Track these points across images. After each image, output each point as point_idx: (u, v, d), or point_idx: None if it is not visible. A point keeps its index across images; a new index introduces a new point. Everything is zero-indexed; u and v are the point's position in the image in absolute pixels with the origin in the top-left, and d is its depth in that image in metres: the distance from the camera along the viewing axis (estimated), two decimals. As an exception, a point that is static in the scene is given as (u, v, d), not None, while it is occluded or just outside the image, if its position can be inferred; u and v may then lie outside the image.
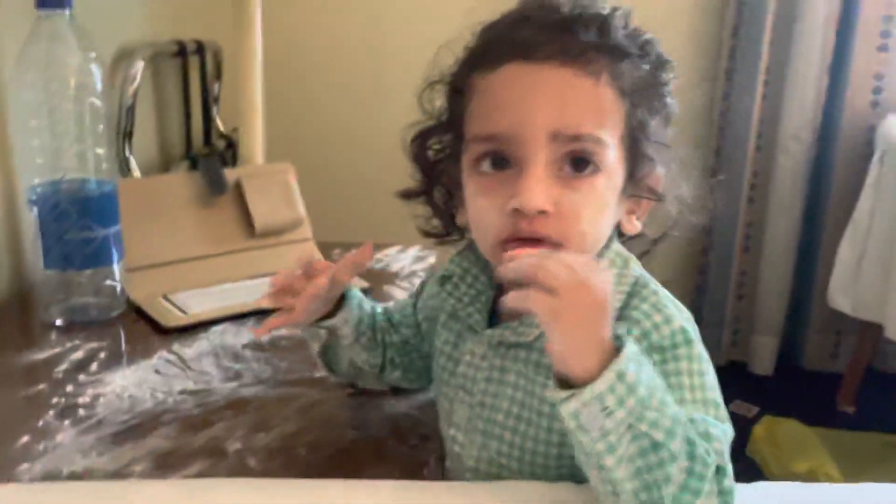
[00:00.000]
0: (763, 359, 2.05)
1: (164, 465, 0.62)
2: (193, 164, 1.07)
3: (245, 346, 0.85)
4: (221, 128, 1.60)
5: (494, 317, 0.63)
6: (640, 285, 0.58)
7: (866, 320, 1.77)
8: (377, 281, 1.05)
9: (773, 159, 1.93)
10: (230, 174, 1.07)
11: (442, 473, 0.65)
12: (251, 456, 0.64)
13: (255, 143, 1.16)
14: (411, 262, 1.15)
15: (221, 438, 0.66)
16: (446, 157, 0.64)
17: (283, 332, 0.89)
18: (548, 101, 0.55)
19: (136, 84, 1.27)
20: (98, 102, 0.86)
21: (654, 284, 0.59)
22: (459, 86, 0.61)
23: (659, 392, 0.48)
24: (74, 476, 0.60)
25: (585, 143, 0.55)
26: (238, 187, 1.07)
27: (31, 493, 0.53)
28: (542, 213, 0.54)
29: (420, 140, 0.64)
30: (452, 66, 0.62)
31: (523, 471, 0.59)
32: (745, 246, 2.03)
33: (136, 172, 1.26)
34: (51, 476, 0.60)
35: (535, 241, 0.55)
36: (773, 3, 1.82)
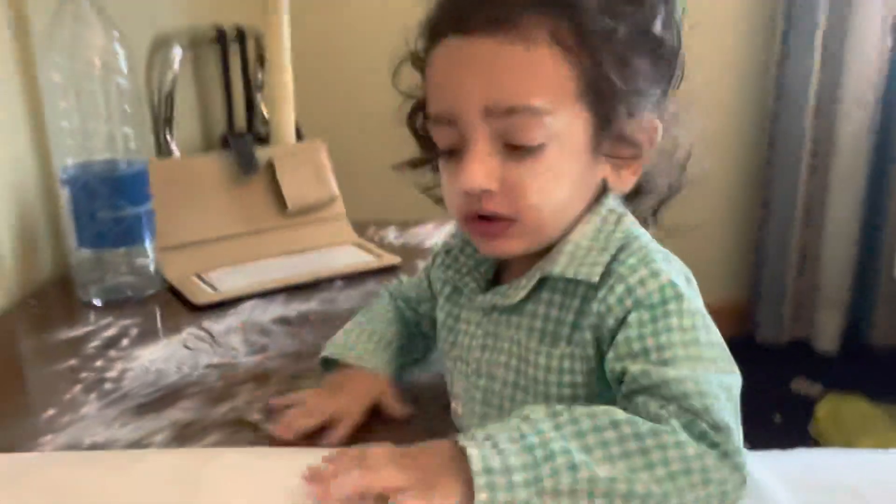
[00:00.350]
0: (827, 335, 1.97)
1: (183, 436, 0.62)
2: (226, 145, 1.07)
3: (273, 322, 0.84)
4: (266, 113, 1.61)
5: (496, 284, 0.62)
6: (631, 239, 0.55)
7: (937, 292, 1.67)
8: (410, 256, 1.04)
9: (834, 126, 1.84)
10: (263, 154, 1.07)
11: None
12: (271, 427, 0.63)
13: (287, 122, 1.16)
14: (445, 237, 1.13)
15: (242, 410, 0.66)
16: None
17: (313, 306, 0.89)
18: (477, 75, 0.52)
19: (174, 70, 1.29)
20: (124, 82, 0.86)
21: (647, 239, 0.56)
22: (419, 63, 0.59)
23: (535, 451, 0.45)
24: (95, 446, 0.60)
25: (521, 116, 0.52)
26: (270, 166, 1.07)
27: (27, 463, 0.53)
28: (488, 191, 0.53)
29: (411, 114, 0.62)
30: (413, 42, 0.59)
31: None
32: (806, 218, 1.95)
33: (177, 156, 1.28)
34: (72, 447, 0.60)
35: (490, 218, 0.54)
36: (830, -39, 1.73)
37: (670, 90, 0.56)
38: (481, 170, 0.52)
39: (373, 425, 0.63)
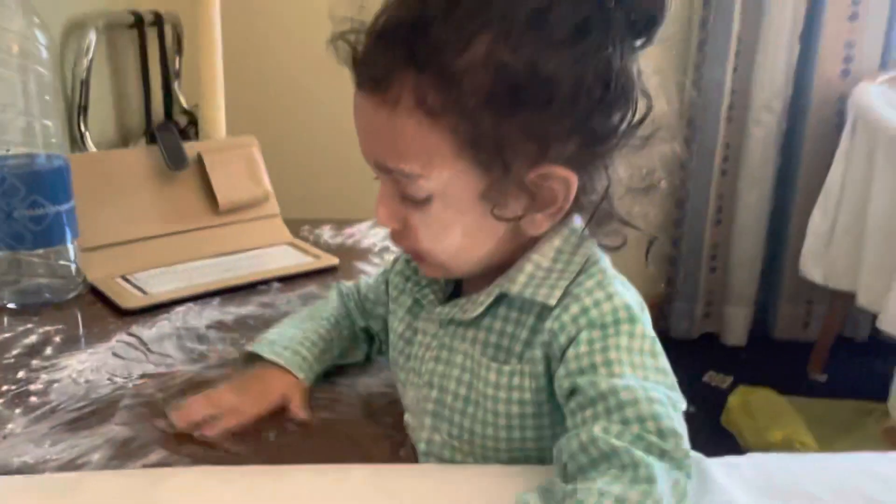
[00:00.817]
0: (736, 330, 2.06)
1: (123, 454, 0.58)
2: (152, 139, 1.02)
3: (209, 327, 0.81)
4: (184, 103, 1.54)
5: (449, 301, 0.61)
6: (590, 264, 0.55)
7: (838, 289, 1.77)
8: (347, 256, 1.02)
9: (745, 130, 1.92)
10: (191, 148, 1.02)
11: (416, 455, 0.62)
12: (215, 441, 0.60)
13: (216, 116, 1.11)
14: (382, 237, 1.11)
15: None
16: None
17: (252, 310, 0.86)
18: (363, 132, 0.55)
19: (89, 56, 1.21)
20: (44, 71, 0.80)
21: (606, 264, 0.56)
22: None
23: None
24: (26, 468, 0.56)
25: (393, 176, 0.53)
26: (199, 162, 1.02)
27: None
28: (394, 228, 0.56)
29: None
30: None
31: (475, 454, 0.57)
32: (717, 218, 2.03)
33: (92, 149, 1.21)
34: (1, 469, 0.56)
35: None
36: (744, -29, 1.80)
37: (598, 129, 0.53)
38: (385, 211, 0.55)
39: (325, 434, 0.61)
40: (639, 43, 0.53)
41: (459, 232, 0.54)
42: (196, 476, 0.49)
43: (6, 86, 0.79)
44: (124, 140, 1.42)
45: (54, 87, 0.82)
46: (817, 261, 1.78)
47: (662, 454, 0.46)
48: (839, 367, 1.97)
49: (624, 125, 0.52)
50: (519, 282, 0.55)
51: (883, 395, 1.62)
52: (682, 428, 0.48)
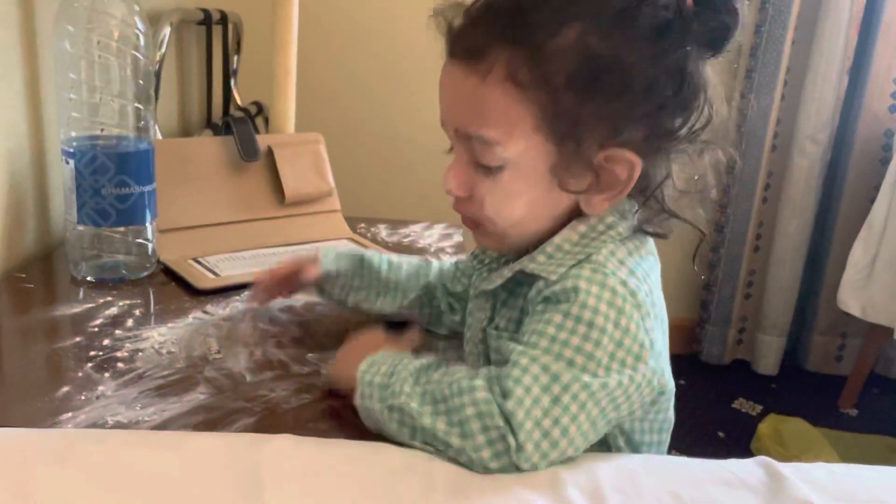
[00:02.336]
0: (768, 358, 2.06)
1: (211, 421, 0.61)
2: (226, 129, 1.06)
3: (280, 310, 0.84)
4: (239, 101, 1.59)
5: None
6: (588, 260, 0.57)
7: (875, 323, 1.77)
8: (405, 253, 1.04)
9: (789, 159, 1.93)
10: (262, 141, 1.06)
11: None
12: (298, 416, 0.63)
13: (287, 112, 1.15)
14: (438, 238, 1.14)
15: (266, 397, 0.65)
16: None
17: (317, 298, 0.88)
18: (448, 99, 0.59)
19: (163, 50, 1.26)
20: (140, 56, 0.84)
21: (602, 255, 0.57)
22: None
23: (395, 377, 0.57)
24: (119, 426, 0.59)
25: (475, 143, 0.57)
26: (269, 155, 1.06)
27: (88, 440, 0.52)
28: (460, 196, 0.60)
29: None
30: None
31: None
32: (756, 245, 2.04)
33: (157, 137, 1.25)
34: (94, 426, 0.59)
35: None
36: (797, 4, 1.82)
37: (673, 129, 0.57)
38: (455, 178, 0.59)
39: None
40: (710, 53, 0.57)
41: (524, 203, 0.59)
42: (293, 442, 0.52)
43: (105, 69, 0.82)
44: (185, 132, 1.46)
45: (147, 73, 0.86)
46: (856, 293, 1.78)
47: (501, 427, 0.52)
48: (870, 403, 1.96)
49: (688, 126, 0.56)
50: (538, 260, 0.59)
51: (916, 433, 1.62)
52: (529, 412, 0.51)
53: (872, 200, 1.78)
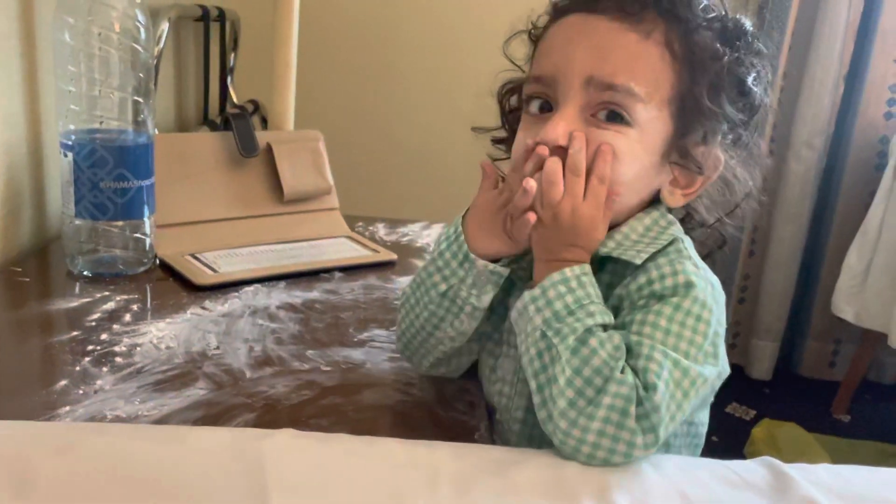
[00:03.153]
0: (761, 363, 2.06)
1: (211, 416, 0.60)
2: (225, 125, 1.05)
3: (279, 308, 0.83)
4: (235, 99, 1.58)
5: None
6: (672, 246, 0.60)
7: (869, 329, 1.78)
8: (403, 253, 1.04)
9: (785, 164, 1.94)
10: (260, 138, 1.05)
11: (492, 441, 0.64)
12: (299, 412, 0.62)
13: (286, 109, 1.15)
14: (436, 237, 1.14)
15: (266, 393, 0.65)
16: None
17: (317, 295, 0.88)
18: (589, 47, 0.58)
19: (160, 45, 1.25)
20: (141, 50, 0.83)
21: (685, 247, 0.60)
22: (535, 37, 0.65)
23: (581, 311, 0.55)
24: (119, 421, 0.58)
25: (616, 94, 0.58)
26: (268, 152, 1.05)
27: (92, 432, 0.51)
28: (560, 147, 0.58)
29: (505, 91, 0.69)
30: (535, 20, 0.65)
31: None
32: (751, 250, 2.04)
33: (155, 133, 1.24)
34: (95, 420, 0.58)
35: None
36: (794, 9, 1.83)
37: (743, 140, 0.62)
38: (565, 127, 0.58)
39: (402, 415, 0.63)
40: None
41: (634, 170, 0.59)
42: (296, 437, 0.51)
43: (105, 61, 0.82)
44: (182, 129, 1.46)
45: (147, 67, 0.85)
46: (850, 299, 1.78)
47: (639, 402, 0.52)
48: (863, 409, 1.97)
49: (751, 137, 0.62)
50: (608, 246, 0.60)
51: (909, 439, 1.63)
52: (664, 391, 0.52)
53: (868, 206, 1.78)
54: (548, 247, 0.59)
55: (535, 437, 0.64)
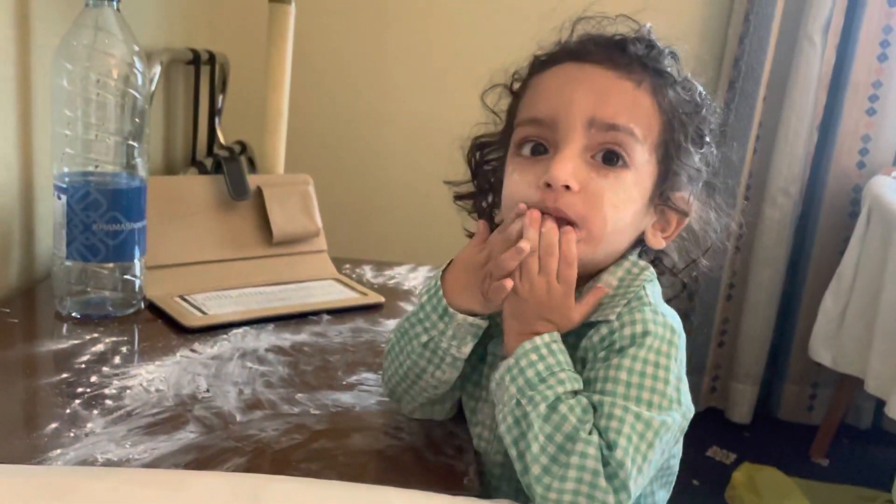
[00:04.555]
0: (741, 406, 2.08)
1: (203, 459, 0.61)
2: (216, 168, 1.06)
3: (268, 350, 0.84)
4: (222, 140, 1.60)
5: None
6: (637, 297, 0.61)
7: (846, 374, 1.81)
8: (390, 296, 1.05)
9: (761, 211, 1.98)
10: (251, 181, 1.07)
11: (481, 484, 0.65)
12: (289, 456, 0.63)
13: (277, 152, 1.16)
14: (422, 281, 1.15)
15: (257, 437, 0.65)
16: (496, 159, 0.70)
17: (305, 338, 0.88)
18: (589, 91, 0.61)
19: (152, 88, 1.27)
20: (138, 95, 0.85)
21: (646, 293, 0.62)
22: (517, 89, 0.67)
23: (552, 378, 0.57)
24: (111, 464, 0.58)
25: (619, 134, 0.60)
26: (258, 194, 1.06)
27: (88, 477, 0.51)
28: (568, 188, 0.60)
29: (475, 147, 0.71)
30: (516, 74, 0.68)
31: None
32: (729, 294, 2.08)
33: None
34: (85, 464, 0.58)
35: (556, 218, 0.61)
36: (769, 62, 1.89)
37: (714, 186, 0.67)
38: (570, 168, 0.60)
39: (392, 460, 0.64)
40: None
41: (631, 211, 0.62)
42: (295, 483, 0.52)
43: (102, 106, 0.83)
44: (170, 170, 1.47)
45: (142, 112, 0.87)
46: (827, 344, 1.81)
47: (606, 464, 0.54)
48: (841, 453, 1.99)
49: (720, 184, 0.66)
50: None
51: (884, 485, 1.64)
52: (635, 455, 0.53)
53: (842, 252, 1.83)
54: (522, 318, 0.60)
55: (514, 479, 0.64)
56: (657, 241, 0.66)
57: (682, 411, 0.58)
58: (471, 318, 0.63)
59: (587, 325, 0.62)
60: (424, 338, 0.64)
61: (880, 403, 2.03)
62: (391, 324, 0.95)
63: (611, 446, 0.53)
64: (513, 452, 0.57)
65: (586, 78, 0.62)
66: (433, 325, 0.64)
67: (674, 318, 0.62)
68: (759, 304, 2.02)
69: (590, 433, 0.54)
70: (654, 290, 0.63)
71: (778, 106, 1.92)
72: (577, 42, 0.65)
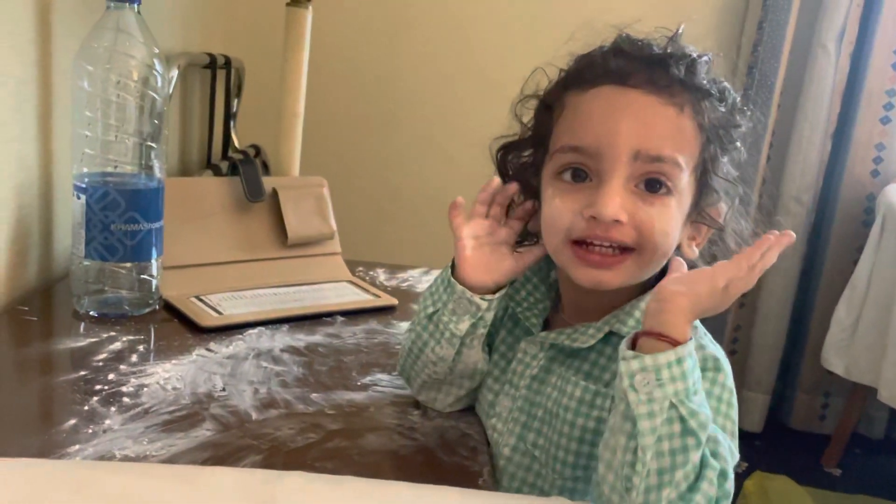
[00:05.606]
0: (752, 415, 2.07)
1: (219, 457, 0.61)
2: (232, 170, 1.07)
3: (283, 350, 0.84)
4: (237, 143, 1.61)
5: (547, 324, 0.70)
6: (693, 327, 0.61)
7: (859, 383, 1.79)
8: (403, 298, 1.06)
9: (774, 219, 1.98)
10: (266, 183, 1.07)
11: (495, 485, 0.65)
12: (304, 455, 0.63)
13: (292, 155, 1.17)
14: (435, 285, 1.15)
15: (272, 435, 0.66)
16: (527, 168, 0.69)
17: (319, 339, 0.89)
18: (634, 121, 0.60)
19: (169, 91, 1.28)
20: (157, 97, 0.86)
21: (698, 323, 0.63)
22: (550, 102, 0.66)
23: (701, 392, 0.54)
24: (128, 460, 0.59)
25: (664, 165, 0.60)
26: (274, 197, 1.07)
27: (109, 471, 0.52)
28: (617, 221, 0.60)
29: (504, 151, 0.70)
30: (547, 85, 0.67)
31: (548, 462, 0.64)
32: (741, 301, 2.07)
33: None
34: (104, 459, 0.59)
35: (606, 247, 0.61)
36: (783, 70, 1.89)
37: (744, 196, 0.66)
38: (619, 202, 0.60)
39: (405, 459, 0.64)
40: None
41: (676, 233, 0.62)
42: (306, 479, 0.52)
43: (121, 108, 0.84)
44: (185, 172, 1.48)
45: (161, 113, 0.88)
46: (840, 353, 1.80)
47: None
48: (853, 463, 1.97)
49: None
50: (629, 324, 0.62)
51: (899, 494, 1.63)
52: (732, 476, 0.53)
53: (856, 261, 1.82)
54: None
55: (516, 476, 0.67)
56: (691, 252, 0.66)
57: (733, 451, 0.58)
58: (469, 293, 0.65)
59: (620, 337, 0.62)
60: (430, 309, 0.68)
61: (893, 413, 2.02)
62: (404, 326, 0.95)
63: (723, 473, 0.53)
64: (654, 464, 0.52)
65: (629, 105, 0.60)
66: (439, 297, 0.67)
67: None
68: (772, 312, 2.01)
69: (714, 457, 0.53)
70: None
71: (791, 114, 1.92)
72: (617, 61, 0.62)
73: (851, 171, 1.94)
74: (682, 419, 0.52)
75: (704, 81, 0.63)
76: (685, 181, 0.61)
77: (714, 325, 2.07)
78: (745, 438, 2.06)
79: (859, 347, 1.75)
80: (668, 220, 0.61)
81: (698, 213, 0.65)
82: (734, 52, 1.90)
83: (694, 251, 0.66)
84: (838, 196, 1.96)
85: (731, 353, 2.09)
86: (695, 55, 0.63)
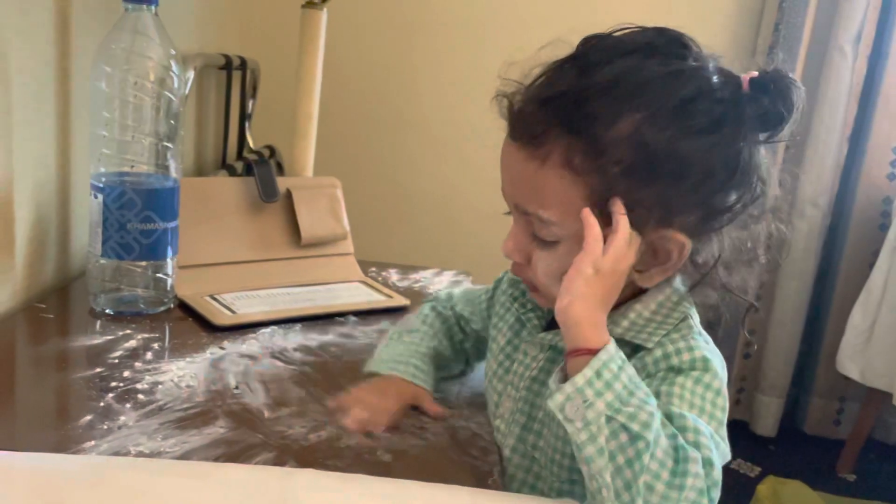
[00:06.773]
0: (766, 419, 2.06)
1: (232, 454, 0.62)
2: (247, 170, 1.08)
3: (296, 350, 0.85)
4: (252, 144, 1.62)
5: (550, 327, 0.70)
6: (683, 323, 0.63)
7: (874, 388, 1.78)
8: (416, 299, 1.06)
9: (789, 222, 1.96)
10: (280, 184, 1.08)
11: (505, 487, 0.65)
12: (316, 453, 0.64)
13: (306, 156, 1.18)
14: (447, 285, 1.16)
15: (285, 433, 0.66)
16: None
17: (332, 338, 0.90)
18: (508, 177, 0.63)
19: (186, 92, 1.29)
20: (173, 98, 0.87)
21: (696, 325, 0.63)
22: None
23: (639, 391, 0.54)
24: (143, 456, 0.60)
25: (531, 218, 0.61)
26: (287, 197, 1.08)
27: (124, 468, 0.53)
28: (517, 261, 0.64)
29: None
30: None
31: (547, 464, 0.65)
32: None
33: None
34: (119, 455, 0.59)
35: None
36: (799, 72, 1.88)
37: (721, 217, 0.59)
38: (513, 245, 0.64)
39: (418, 458, 0.65)
40: (764, 136, 0.61)
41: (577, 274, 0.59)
42: (318, 476, 0.53)
43: (138, 108, 0.85)
44: (201, 173, 1.49)
45: (177, 114, 0.88)
46: (855, 357, 1.79)
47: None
48: (868, 469, 1.96)
49: (740, 205, 0.59)
50: (622, 325, 0.62)
51: (915, 499, 1.62)
52: (719, 464, 0.53)
53: (871, 266, 1.80)
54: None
55: (516, 476, 0.69)
56: (648, 280, 0.61)
57: (723, 450, 0.57)
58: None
59: (633, 347, 0.62)
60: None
61: (909, 419, 2.00)
62: (417, 326, 0.95)
63: (705, 464, 0.52)
64: (618, 483, 0.52)
65: (508, 161, 0.62)
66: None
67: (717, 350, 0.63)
68: (786, 316, 2.00)
69: (696, 448, 0.52)
70: (698, 321, 0.64)
71: (807, 117, 1.91)
72: (521, 100, 0.61)
73: (868, 174, 1.93)
74: (625, 427, 0.51)
75: (599, 115, 0.56)
76: (570, 228, 0.58)
77: (728, 330, 2.06)
78: (759, 443, 2.06)
79: (875, 352, 1.74)
80: (557, 266, 0.60)
81: (648, 243, 0.59)
82: (750, 54, 1.89)
83: (651, 280, 0.61)
84: (854, 199, 1.95)
85: (745, 357, 2.08)
86: (586, 88, 0.57)
